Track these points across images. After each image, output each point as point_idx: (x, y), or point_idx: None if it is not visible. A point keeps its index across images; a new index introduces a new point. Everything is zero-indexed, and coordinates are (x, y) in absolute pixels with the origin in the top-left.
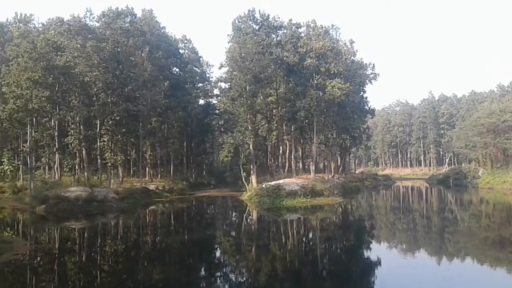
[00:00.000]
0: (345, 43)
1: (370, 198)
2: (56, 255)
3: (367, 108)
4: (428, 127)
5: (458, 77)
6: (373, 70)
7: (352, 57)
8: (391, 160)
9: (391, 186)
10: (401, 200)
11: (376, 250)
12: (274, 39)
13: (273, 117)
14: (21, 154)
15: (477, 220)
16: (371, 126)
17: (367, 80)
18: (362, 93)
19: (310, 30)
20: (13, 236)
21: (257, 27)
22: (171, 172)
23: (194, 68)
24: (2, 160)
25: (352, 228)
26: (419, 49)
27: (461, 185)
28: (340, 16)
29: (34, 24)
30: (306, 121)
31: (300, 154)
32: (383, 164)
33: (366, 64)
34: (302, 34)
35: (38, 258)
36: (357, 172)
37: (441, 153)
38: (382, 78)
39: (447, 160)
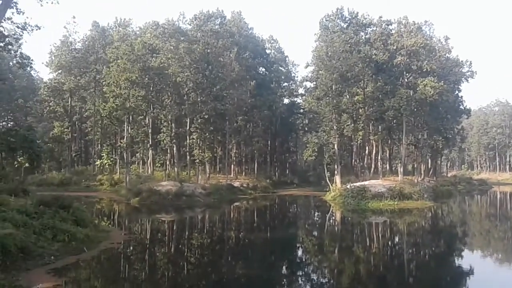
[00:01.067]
0: (439, 40)
1: (463, 203)
2: (148, 245)
3: (462, 108)
4: None
5: None
6: (470, 68)
7: (446, 54)
8: (487, 163)
9: (487, 192)
10: (498, 206)
11: (468, 259)
12: (363, 37)
13: (360, 116)
14: (119, 149)
15: None
16: (466, 127)
17: (463, 79)
18: (457, 92)
19: (402, 26)
20: (110, 225)
21: (345, 25)
22: (255, 170)
23: (280, 67)
24: (102, 154)
25: (443, 234)
26: None
27: None
28: (434, 11)
29: (132, 28)
30: (395, 121)
31: (387, 155)
32: (479, 168)
33: (462, 61)
34: (393, 31)
35: (132, 248)
36: (449, 175)
37: None
38: (479, 76)
39: None
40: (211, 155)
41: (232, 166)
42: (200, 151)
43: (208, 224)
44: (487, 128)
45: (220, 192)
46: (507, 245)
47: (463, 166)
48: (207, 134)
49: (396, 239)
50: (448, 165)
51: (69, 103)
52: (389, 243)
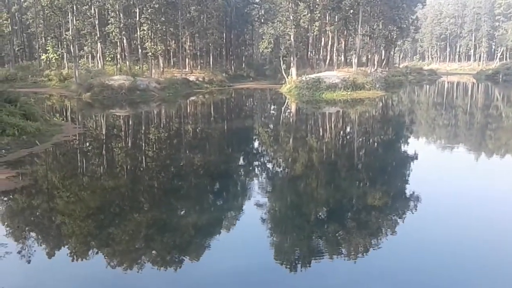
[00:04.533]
0: None
1: (412, 93)
2: (104, 139)
3: None
4: (482, 18)
5: None
6: None
7: None
8: (438, 54)
9: (435, 81)
10: (444, 95)
11: (414, 145)
12: None
13: (316, 6)
14: (65, 43)
15: None
16: (420, 18)
17: None
18: None
19: None
20: (62, 120)
21: None
22: (211, 63)
23: None
24: (47, 48)
25: (391, 123)
26: None
27: (511, 81)
28: None
29: None
30: (351, 11)
31: (343, 46)
32: (430, 59)
33: None
34: None
35: (87, 142)
36: (401, 66)
37: (493, 47)
38: None
39: (498, 54)
40: (164, 48)
41: (187, 60)
42: (152, 43)
43: (165, 118)
44: (441, 18)
45: (175, 86)
46: (450, 132)
47: (415, 57)
48: (158, 25)
49: (348, 128)
50: (401, 56)
51: None
52: (341, 132)
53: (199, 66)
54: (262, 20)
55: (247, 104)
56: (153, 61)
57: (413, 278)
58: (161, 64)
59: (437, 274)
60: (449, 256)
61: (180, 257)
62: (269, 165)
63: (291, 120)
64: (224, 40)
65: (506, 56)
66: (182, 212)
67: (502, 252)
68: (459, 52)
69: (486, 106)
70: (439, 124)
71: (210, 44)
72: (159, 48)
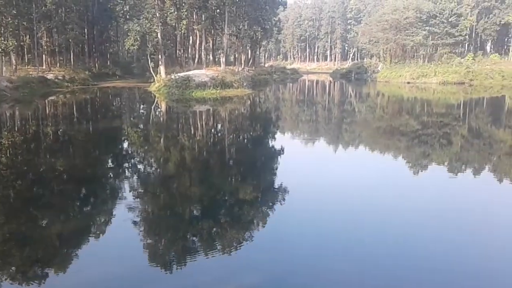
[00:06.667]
0: None
1: (277, 91)
2: None
3: (280, 0)
4: (336, 22)
5: None
6: None
7: None
8: (299, 54)
9: (297, 80)
10: (305, 93)
11: (280, 140)
12: None
13: (183, 4)
14: None
15: (372, 111)
16: (282, 20)
17: None
18: None
19: None
20: None
21: None
22: (72, 61)
23: None
24: None
25: (260, 119)
26: None
27: (362, 79)
28: None
29: None
30: (218, 10)
31: (211, 45)
32: (292, 58)
33: None
34: None
35: None
36: (266, 65)
37: (346, 48)
38: None
39: (351, 55)
40: (16, 43)
41: (44, 56)
42: (2, 39)
43: (20, 121)
44: (301, 20)
45: (30, 86)
46: (311, 126)
47: (278, 56)
48: (9, 19)
49: (219, 126)
50: (266, 55)
51: None
52: (212, 130)
53: (58, 64)
54: (128, 16)
55: (114, 104)
56: (3, 58)
57: (281, 268)
58: (14, 61)
59: (305, 264)
60: (319, 246)
61: (43, 270)
62: (140, 166)
63: (161, 119)
64: (86, 36)
65: (357, 57)
66: (44, 222)
67: (367, 239)
68: (317, 52)
69: (342, 102)
70: (302, 119)
71: (70, 40)
72: (11, 43)
